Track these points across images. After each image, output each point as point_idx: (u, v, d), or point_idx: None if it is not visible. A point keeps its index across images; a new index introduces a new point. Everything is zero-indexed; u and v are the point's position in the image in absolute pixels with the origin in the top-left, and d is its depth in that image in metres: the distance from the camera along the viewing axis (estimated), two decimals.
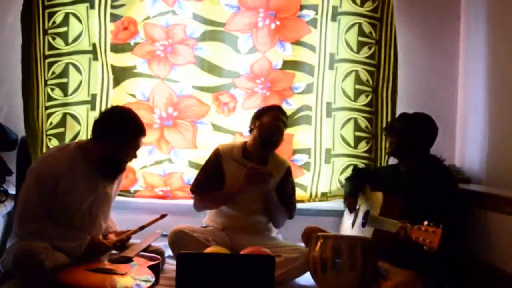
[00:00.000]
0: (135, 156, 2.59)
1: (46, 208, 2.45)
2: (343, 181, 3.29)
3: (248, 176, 2.82)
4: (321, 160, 3.47)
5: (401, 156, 2.83)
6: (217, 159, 3.03)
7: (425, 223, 2.29)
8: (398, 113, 3.20)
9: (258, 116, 3.01)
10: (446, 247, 2.29)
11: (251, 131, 3.04)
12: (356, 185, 2.99)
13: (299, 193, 3.44)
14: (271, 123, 2.94)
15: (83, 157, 2.53)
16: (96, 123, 2.57)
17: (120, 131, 2.50)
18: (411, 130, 2.74)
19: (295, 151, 3.48)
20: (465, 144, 3.46)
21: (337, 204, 3.42)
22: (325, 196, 3.49)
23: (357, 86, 3.47)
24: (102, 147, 2.51)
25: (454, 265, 2.59)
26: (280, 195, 2.99)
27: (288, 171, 3.10)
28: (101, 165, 2.52)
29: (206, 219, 3.10)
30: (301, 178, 3.48)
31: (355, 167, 3.24)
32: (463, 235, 2.63)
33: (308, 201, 3.49)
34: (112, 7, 3.33)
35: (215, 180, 2.98)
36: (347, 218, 3.04)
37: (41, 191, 2.44)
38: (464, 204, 2.68)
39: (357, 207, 2.93)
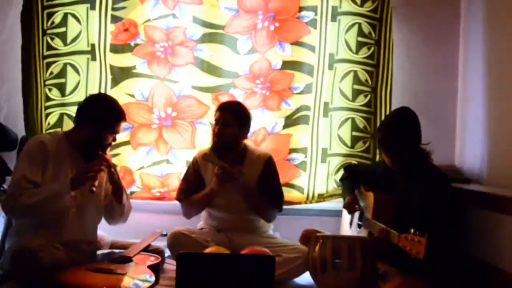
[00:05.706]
0: (114, 140, 2.75)
1: (34, 179, 2.48)
2: (339, 182, 3.27)
3: (218, 175, 2.84)
4: (317, 160, 3.47)
5: (390, 153, 2.76)
6: (194, 166, 3.06)
7: (412, 231, 2.25)
8: None
9: None
10: (438, 251, 2.28)
11: None
12: (351, 185, 2.96)
13: (296, 195, 3.45)
14: (212, 129, 2.99)
15: (69, 143, 2.65)
16: (80, 109, 2.72)
17: (102, 117, 2.65)
18: (393, 125, 2.70)
19: (291, 150, 3.47)
20: (465, 144, 3.46)
21: (337, 204, 3.39)
22: (321, 197, 3.49)
23: (356, 86, 3.47)
24: (85, 131, 2.64)
25: (451, 266, 2.58)
26: (263, 187, 2.99)
27: (268, 163, 3.05)
28: (84, 147, 2.64)
29: (200, 223, 3.10)
30: (297, 180, 3.47)
31: (347, 166, 3.19)
32: (456, 234, 2.62)
33: (305, 202, 3.48)
34: (113, 9, 3.33)
35: (197, 187, 3.01)
36: (346, 218, 3.04)
37: (31, 163, 2.50)
38: (454, 201, 2.63)
39: (357, 206, 2.87)
